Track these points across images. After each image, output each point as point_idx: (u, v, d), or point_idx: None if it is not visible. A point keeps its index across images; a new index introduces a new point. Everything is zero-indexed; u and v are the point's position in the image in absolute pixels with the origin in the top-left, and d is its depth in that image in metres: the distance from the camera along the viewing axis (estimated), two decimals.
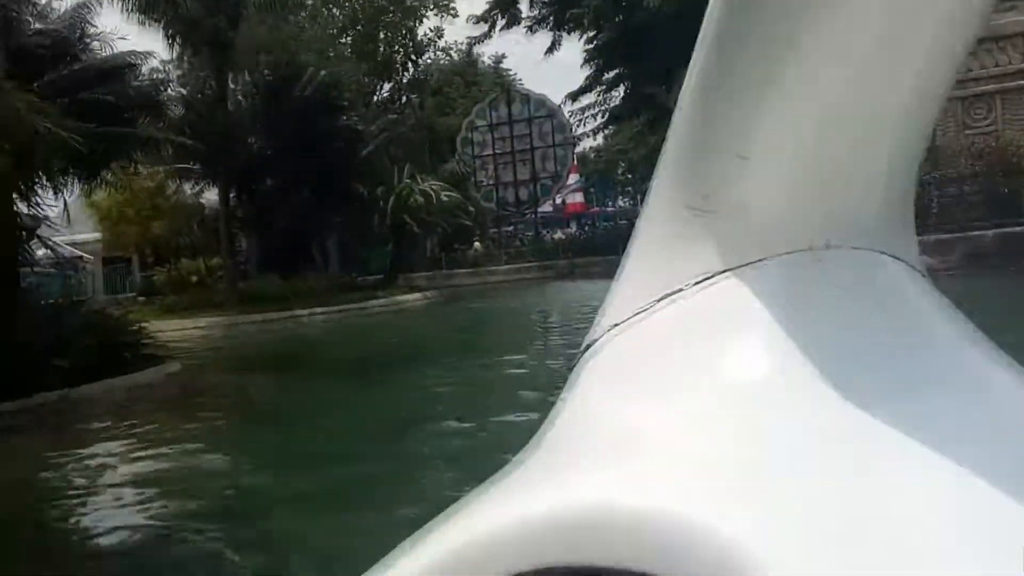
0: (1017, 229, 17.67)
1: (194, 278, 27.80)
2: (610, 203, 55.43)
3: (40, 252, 32.99)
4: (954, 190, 19.10)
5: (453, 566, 0.49)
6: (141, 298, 28.65)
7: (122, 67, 13.25)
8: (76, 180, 13.47)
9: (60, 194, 13.73)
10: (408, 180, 29.74)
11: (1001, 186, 18.50)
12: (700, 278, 0.61)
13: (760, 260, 0.59)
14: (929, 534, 0.40)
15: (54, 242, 32.81)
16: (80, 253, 33.09)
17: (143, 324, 12.77)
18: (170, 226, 27.16)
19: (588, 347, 0.69)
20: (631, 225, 0.70)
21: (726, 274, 0.60)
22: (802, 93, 0.54)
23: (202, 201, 28.96)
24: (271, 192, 26.73)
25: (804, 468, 0.46)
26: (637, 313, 0.64)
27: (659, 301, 0.63)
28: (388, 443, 6.48)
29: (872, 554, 0.40)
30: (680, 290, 0.62)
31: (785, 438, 0.49)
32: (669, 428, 0.54)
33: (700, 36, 0.59)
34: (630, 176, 53.48)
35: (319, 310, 23.00)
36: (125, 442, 7.27)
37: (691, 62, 0.60)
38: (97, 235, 30.83)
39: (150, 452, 6.75)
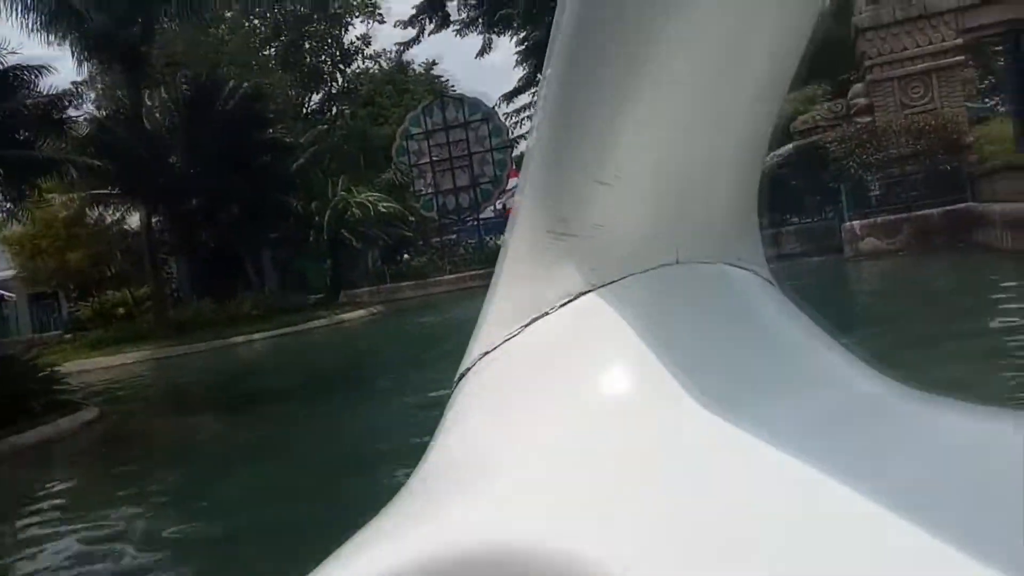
0: (961, 206, 17.67)
1: (120, 310, 26.22)
2: None
3: None
4: (896, 171, 19.04)
5: None
6: (68, 335, 26.91)
7: (10, 82, 11.93)
8: None
9: None
10: (344, 193, 28.69)
11: (943, 164, 18.50)
12: (563, 300, 0.63)
13: (618, 279, 0.62)
14: (788, 537, 0.42)
15: None
16: (1, 291, 31.10)
17: (55, 367, 11.52)
18: (90, 256, 25.41)
19: (462, 376, 0.69)
20: None
21: (587, 295, 0.62)
22: (651, 117, 0.57)
23: (126, 227, 27.27)
24: (197, 212, 25.28)
25: (672, 485, 0.49)
26: (506, 340, 0.65)
27: (526, 326, 0.65)
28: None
29: (741, 563, 0.41)
30: (545, 313, 0.64)
31: (652, 455, 0.52)
32: (540, 456, 0.55)
33: (547, 64, 0.61)
34: None
35: (257, 335, 21.79)
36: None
37: (540, 89, 0.62)
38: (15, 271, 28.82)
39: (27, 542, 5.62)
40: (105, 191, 24.33)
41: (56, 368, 11.48)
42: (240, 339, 21.43)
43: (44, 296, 31.92)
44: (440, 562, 0.48)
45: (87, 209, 25.15)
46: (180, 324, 23.26)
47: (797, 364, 0.59)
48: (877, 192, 19.27)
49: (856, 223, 18.86)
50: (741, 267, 0.66)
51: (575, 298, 0.63)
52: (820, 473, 0.45)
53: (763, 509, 0.45)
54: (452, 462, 0.63)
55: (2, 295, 31.68)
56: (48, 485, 7.18)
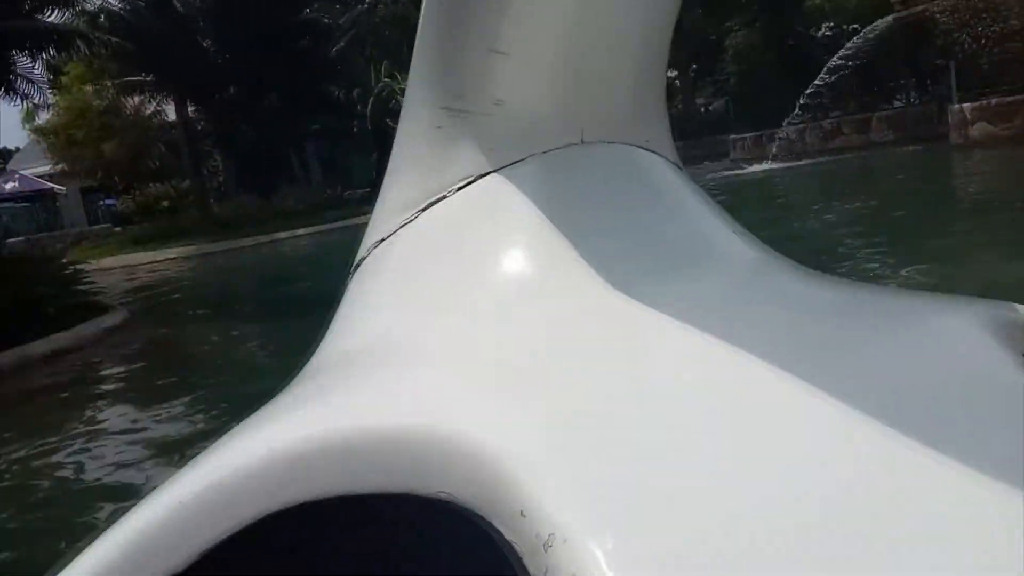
0: None
1: (164, 204, 25.48)
2: None
3: (8, 186, 30.77)
4: (1018, 45, 16.48)
5: (198, 511, 0.45)
6: (117, 229, 26.42)
7: None
8: None
9: None
10: (387, 80, 26.86)
11: None
12: (462, 182, 0.61)
13: (519, 160, 0.59)
14: (692, 413, 0.41)
15: (20, 175, 30.61)
16: (50, 185, 30.71)
17: (78, 263, 10.55)
18: (127, 147, 24.35)
19: (357, 266, 0.67)
20: None
21: (487, 176, 0.60)
22: None
23: (165, 119, 26.12)
24: (235, 102, 23.88)
25: (563, 364, 0.48)
26: (402, 226, 0.63)
27: (423, 211, 0.62)
28: None
29: (622, 442, 0.40)
30: (443, 197, 0.61)
31: (551, 336, 0.51)
32: (434, 339, 0.55)
33: None
34: None
35: (301, 231, 20.84)
36: None
37: None
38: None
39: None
40: (138, 78, 23.05)
41: (78, 266, 10.49)
42: (284, 235, 20.53)
43: (96, 190, 31.42)
44: (334, 442, 0.46)
45: (121, 97, 23.93)
46: (224, 219, 22.50)
47: (705, 245, 0.58)
48: (987, 69, 16.81)
49: (966, 105, 16.53)
50: (649, 149, 0.64)
51: (474, 180, 0.60)
52: (722, 349, 0.44)
53: (666, 388, 0.44)
54: (347, 349, 0.59)
55: (52, 188, 31.31)
56: (43, 404, 6.21)
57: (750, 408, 0.40)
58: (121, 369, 7.62)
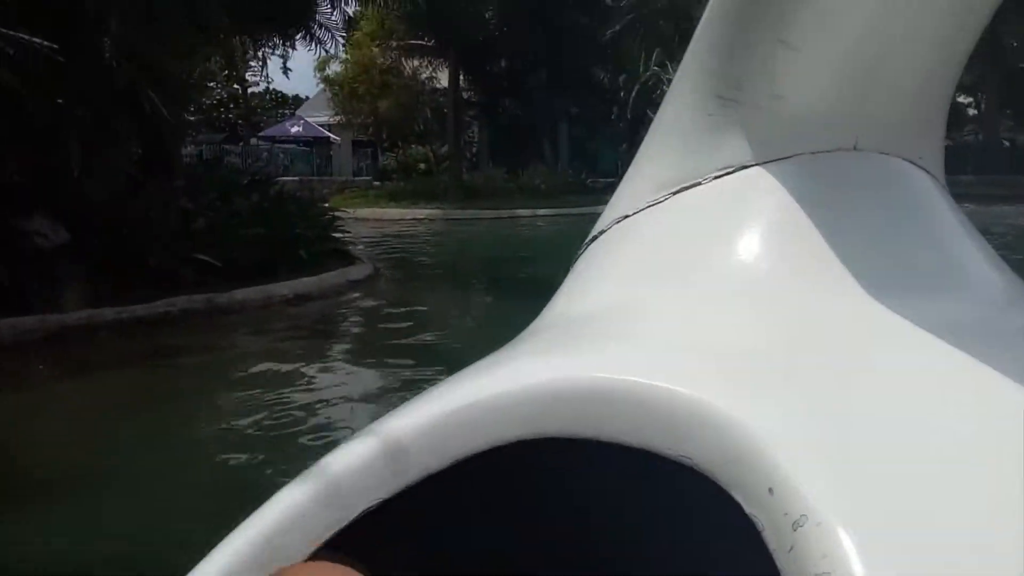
0: None
1: (422, 165, 26.64)
2: None
3: (294, 129, 33.98)
4: None
5: (458, 423, 0.50)
6: (377, 183, 28.11)
7: None
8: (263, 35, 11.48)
9: (256, 51, 11.87)
10: (656, 68, 25.78)
11: None
12: (722, 171, 0.60)
13: (785, 157, 0.58)
14: (935, 418, 0.42)
15: (305, 121, 33.74)
16: (327, 133, 33.50)
17: (336, 212, 10.75)
18: (399, 106, 25.65)
19: (594, 238, 0.68)
20: None
21: (749, 169, 0.59)
22: None
23: (436, 85, 27.26)
24: (503, 75, 24.14)
25: (807, 356, 0.49)
26: (650, 205, 0.63)
27: (675, 194, 0.62)
28: None
29: (867, 436, 0.40)
30: (698, 183, 0.61)
31: (797, 331, 0.52)
32: (675, 311, 0.55)
33: None
34: None
35: (542, 212, 20.66)
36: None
37: None
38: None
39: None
40: (420, 42, 24.06)
41: (337, 212, 10.70)
42: (525, 212, 20.49)
43: (364, 144, 33.73)
44: (560, 393, 0.48)
45: (403, 59, 25.20)
46: (471, 188, 23.02)
47: (957, 273, 0.56)
48: None
49: None
50: (920, 166, 0.61)
51: (735, 171, 0.59)
52: (968, 368, 0.44)
53: (910, 395, 0.44)
54: (584, 310, 0.60)
55: (329, 137, 34.10)
56: (273, 350, 6.07)
57: (992, 426, 0.40)
58: (355, 331, 7.42)
